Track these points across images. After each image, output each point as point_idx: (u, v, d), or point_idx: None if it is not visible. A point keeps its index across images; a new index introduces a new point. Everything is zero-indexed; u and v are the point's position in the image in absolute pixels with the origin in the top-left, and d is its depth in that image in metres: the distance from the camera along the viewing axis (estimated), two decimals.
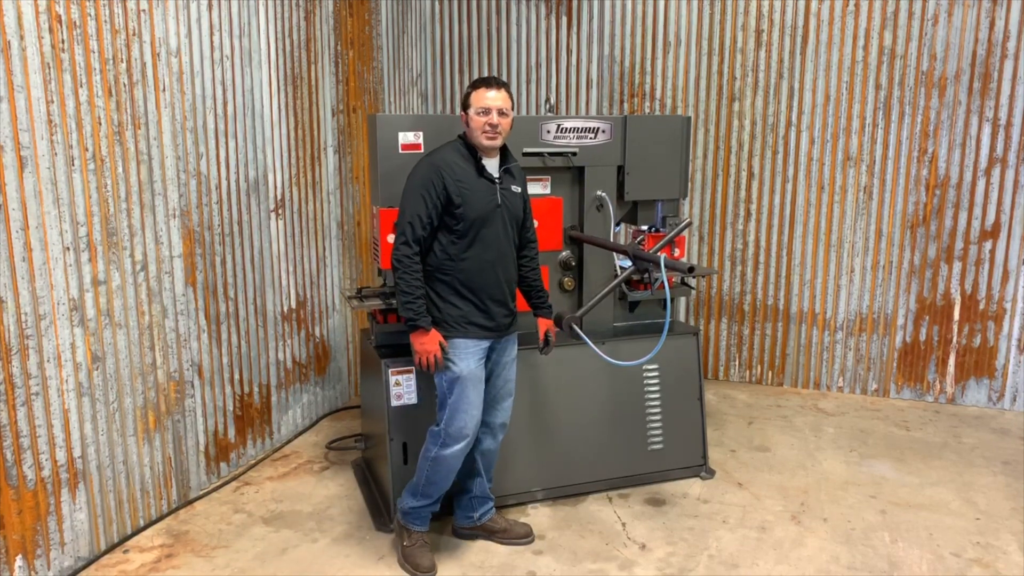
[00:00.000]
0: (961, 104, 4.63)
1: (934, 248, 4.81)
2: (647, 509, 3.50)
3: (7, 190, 2.59)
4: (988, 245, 4.70)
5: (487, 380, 3.01)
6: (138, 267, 3.18)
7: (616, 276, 3.58)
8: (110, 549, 3.11)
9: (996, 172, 4.63)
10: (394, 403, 3.28)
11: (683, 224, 3.39)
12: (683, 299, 5.32)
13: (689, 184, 4.79)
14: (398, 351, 3.31)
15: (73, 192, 2.85)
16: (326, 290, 4.60)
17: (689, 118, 3.81)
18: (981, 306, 4.77)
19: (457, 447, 2.92)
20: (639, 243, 3.67)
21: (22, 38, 2.62)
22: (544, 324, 3.17)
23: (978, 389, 4.86)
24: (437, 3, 5.60)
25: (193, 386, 3.54)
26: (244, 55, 3.76)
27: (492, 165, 2.92)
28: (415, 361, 2.89)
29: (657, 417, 3.72)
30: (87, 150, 2.89)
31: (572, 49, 5.39)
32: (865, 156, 4.87)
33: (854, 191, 4.93)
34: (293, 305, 4.27)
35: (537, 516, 3.44)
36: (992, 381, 4.82)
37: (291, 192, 4.20)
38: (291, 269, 4.24)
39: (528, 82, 5.53)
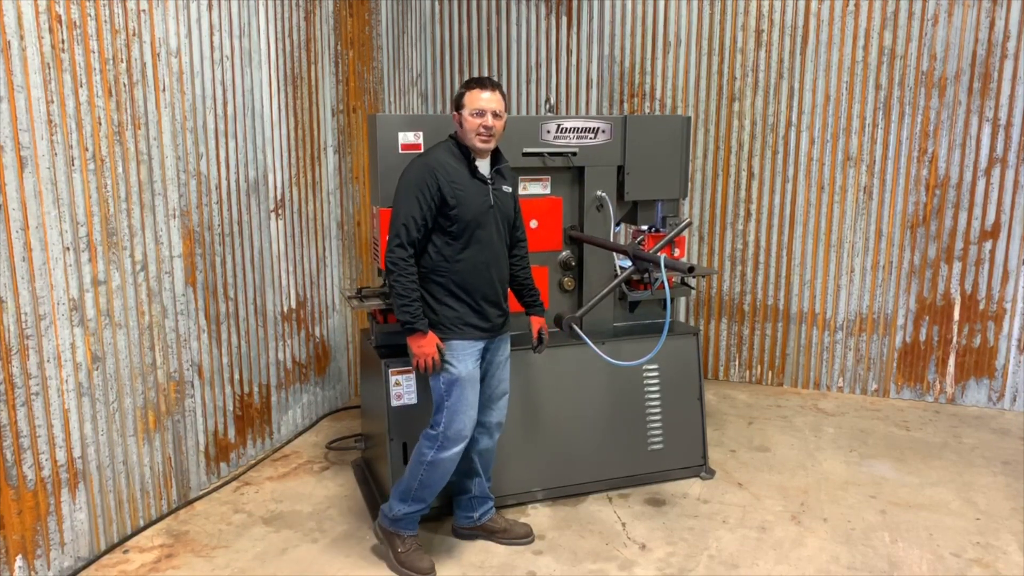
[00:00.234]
0: (961, 104, 4.63)
1: (934, 248, 4.81)
2: (647, 509, 3.50)
3: (7, 190, 2.59)
4: (988, 245, 4.70)
5: (481, 380, 3.00)
6: (138, 267, 3.18)
7: (616, 276, 3.58)
8: (110, 549, 3.11)
9: (996, 172, 4.63)
10: (394, 403, 3.28)
11: (683, 224, 3.39)
12: (683, 299, 5.32)
13: (689, 184, 4.79)
14: (398, 351, 3.30)
15: (73, 192, 2.85)
16: (326, 290, 4.60)
17: (689, 118, 3.81)
18: (981, 306, 4.77)
19: (456, 449, 2.91)
20: (639, 243, 3.67)
21: (22, 38, 2.62)
22: (537, 322, 3.16)
23: (978, 389, 4.86)
24: (437, 3, 5.60)
25: (193, 386, 3.54)
26: (244, 55, 3.76)
27: (484, 166, 2.91)
28: (413, 364, 2.88)
29: (657, 417, 3.73)
30: (87, 150, 2.89)
31: (572, 49, 5.39)
32: (865, 156, 4.87)
33: (854, 191, 4.92)
34: (293, 305, 4.27)
35: (537, 516, 3.44)
36: (992, 381, 4.82)
37: (291, 192, 4.20)
38: (291, 269, 4.24)
39: (528, 82, 5.53)
